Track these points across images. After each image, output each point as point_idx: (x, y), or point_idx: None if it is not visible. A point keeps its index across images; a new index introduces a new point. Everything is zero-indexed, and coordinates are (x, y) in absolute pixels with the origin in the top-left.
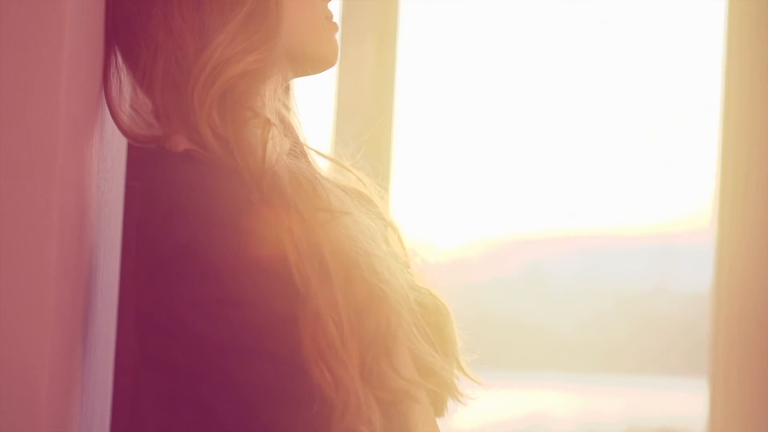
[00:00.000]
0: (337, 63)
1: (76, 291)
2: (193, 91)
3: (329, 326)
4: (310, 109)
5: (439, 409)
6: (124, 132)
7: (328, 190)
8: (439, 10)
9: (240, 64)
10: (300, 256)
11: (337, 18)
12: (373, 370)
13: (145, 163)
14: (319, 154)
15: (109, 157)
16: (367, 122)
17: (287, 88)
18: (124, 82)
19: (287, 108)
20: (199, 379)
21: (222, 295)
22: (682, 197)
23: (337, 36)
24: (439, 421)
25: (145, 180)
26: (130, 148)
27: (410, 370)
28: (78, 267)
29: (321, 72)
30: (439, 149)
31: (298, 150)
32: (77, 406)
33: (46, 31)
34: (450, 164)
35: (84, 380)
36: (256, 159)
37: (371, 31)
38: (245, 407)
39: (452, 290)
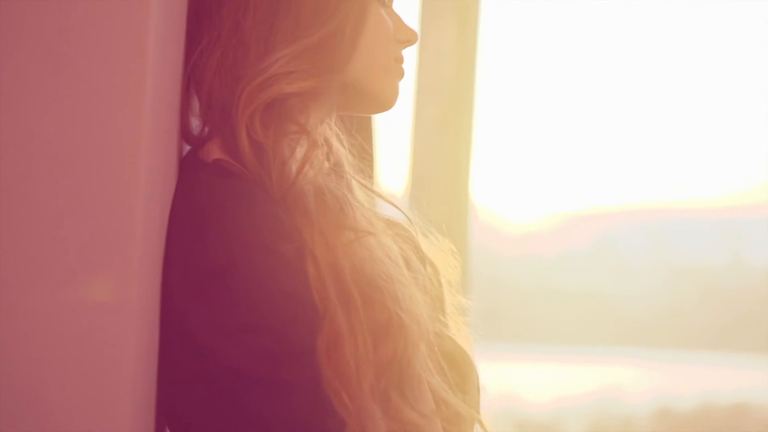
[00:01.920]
0: (419, 40)
1: (156, 286)
2: (243, 91)
3: (347, 352)
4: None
5: None
6: (184, 132)
7: (356, 210)
8: None
9: (298, 82)
10: (320, 278)
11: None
12: (383, 400)
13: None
14: (364, 185)
15: None
16: (447, 101)
17: (366, 125)
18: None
19: (338, 138)
20: (212, 402)
21: (243, 321)
22: (764, 165)
23: (401, 83)
24: None
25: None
26: None
27: (425, 403)
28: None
29: (372, 113)
30: (513, 126)
31: (338, 175)
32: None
33: (131, 31)
34: (523, 140)
35: None
36: (284, 172)
37: (452, 10)
38: None
39: (523, 263)
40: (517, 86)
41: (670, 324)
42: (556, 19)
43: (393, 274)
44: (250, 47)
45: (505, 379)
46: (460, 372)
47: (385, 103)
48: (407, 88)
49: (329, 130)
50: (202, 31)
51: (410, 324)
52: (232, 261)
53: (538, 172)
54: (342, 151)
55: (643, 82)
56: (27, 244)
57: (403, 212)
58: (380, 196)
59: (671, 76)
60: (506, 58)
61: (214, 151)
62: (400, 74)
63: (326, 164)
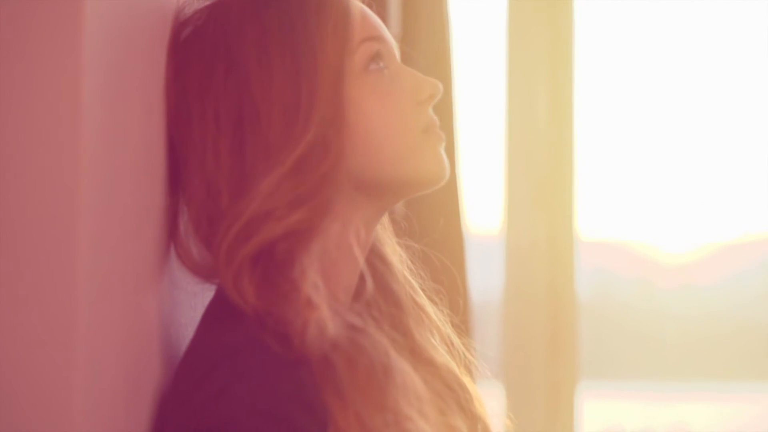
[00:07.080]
0: (507, 71)
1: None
2: (219, 248)
3: None
4: (479, 123)
5: None
6: (182, 259)
7: (398, 382)
8: (616, 17)
9: (281, 222)
10: None
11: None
12: None
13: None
14: (428, 317)
15: (198, 292)
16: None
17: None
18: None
19: (386, 247)
20: None
21: None
22: None
23: (441, 148)
24: None
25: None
26: None
27: None
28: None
29: (422, 192)
30: (658, 154)
31: (380, 322)
32: None
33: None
34: (671, 169)
35: None
36: (292, 340)
37: (543, 32)
38: None
39: (683, 294)
40: (636, 116)
41: None
42: (663, 30)
43: None
44: (221, 196)
45: (674, 416)
46: None
47: (430, 180)
48: (496, 111)
49: (352, 246)
50: (181, 188)
51: None
52: (233, 423)
53: (692, 201)
54: (396, 270)
55: None
56: None
57: (468, 360)
58: (445, 339)
59: None
60: (616, 77)
61: None
62: (437, 140)
63: (343, 317)
